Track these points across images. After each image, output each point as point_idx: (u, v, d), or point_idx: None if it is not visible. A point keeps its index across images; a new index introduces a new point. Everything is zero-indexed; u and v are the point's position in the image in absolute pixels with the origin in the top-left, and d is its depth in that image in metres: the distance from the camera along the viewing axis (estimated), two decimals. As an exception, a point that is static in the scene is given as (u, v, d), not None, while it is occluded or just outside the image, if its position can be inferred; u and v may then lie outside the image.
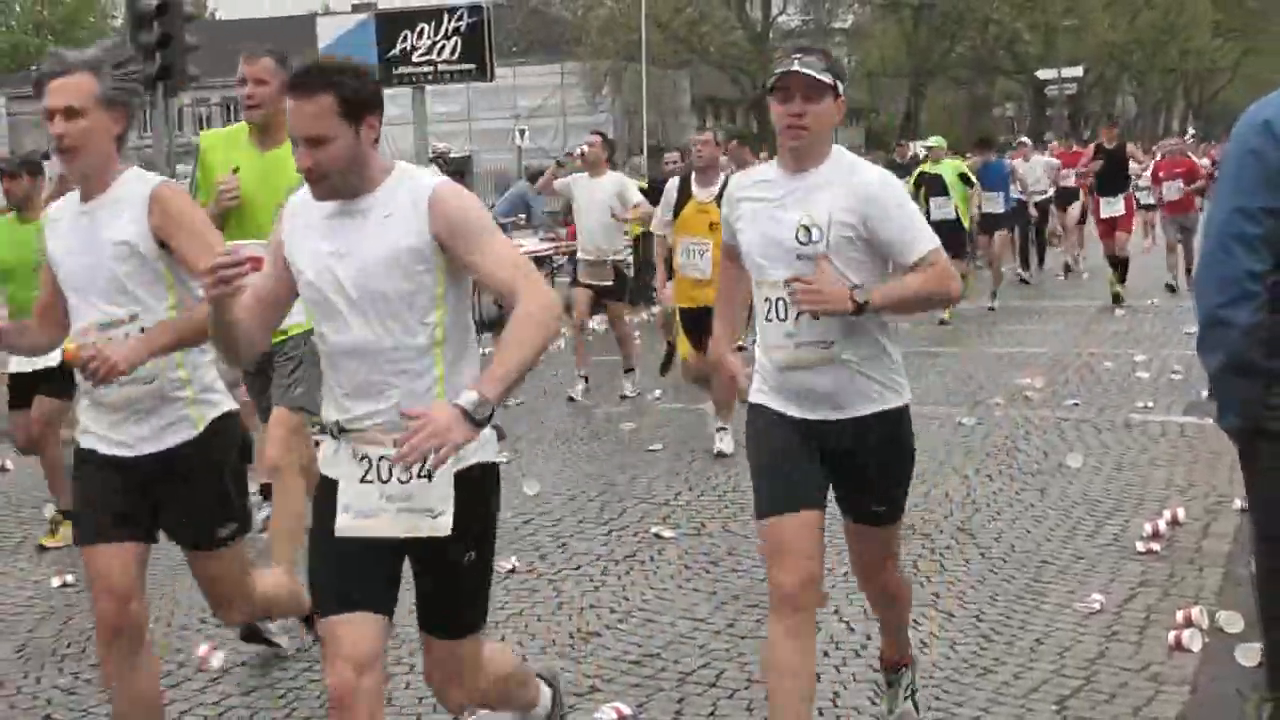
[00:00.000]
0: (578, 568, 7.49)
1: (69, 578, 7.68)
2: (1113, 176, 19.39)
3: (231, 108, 72.73)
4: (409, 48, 29.76)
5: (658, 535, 8.02)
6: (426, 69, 29.93)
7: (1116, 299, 18.33)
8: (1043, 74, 61.86)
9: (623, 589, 7.08)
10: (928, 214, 15.45)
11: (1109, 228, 19.22)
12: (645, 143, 35.75)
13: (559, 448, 10.79)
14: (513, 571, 7.39)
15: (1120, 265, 18.92)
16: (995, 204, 19.02)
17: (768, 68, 60.30)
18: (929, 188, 17.15)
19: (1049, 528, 7.85)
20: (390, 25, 30.18)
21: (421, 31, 29.69)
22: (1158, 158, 21.35)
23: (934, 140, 19.52)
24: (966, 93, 73.91)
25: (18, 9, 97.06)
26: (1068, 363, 13.63)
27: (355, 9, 49.29)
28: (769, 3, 62.66)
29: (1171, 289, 18.99)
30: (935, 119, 67.15)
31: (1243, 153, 3.58)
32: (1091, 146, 21.85)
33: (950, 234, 14.42)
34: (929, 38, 62.15)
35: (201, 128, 72.37)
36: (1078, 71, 61.71)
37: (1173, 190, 19.21)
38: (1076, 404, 11.50)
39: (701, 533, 8.05)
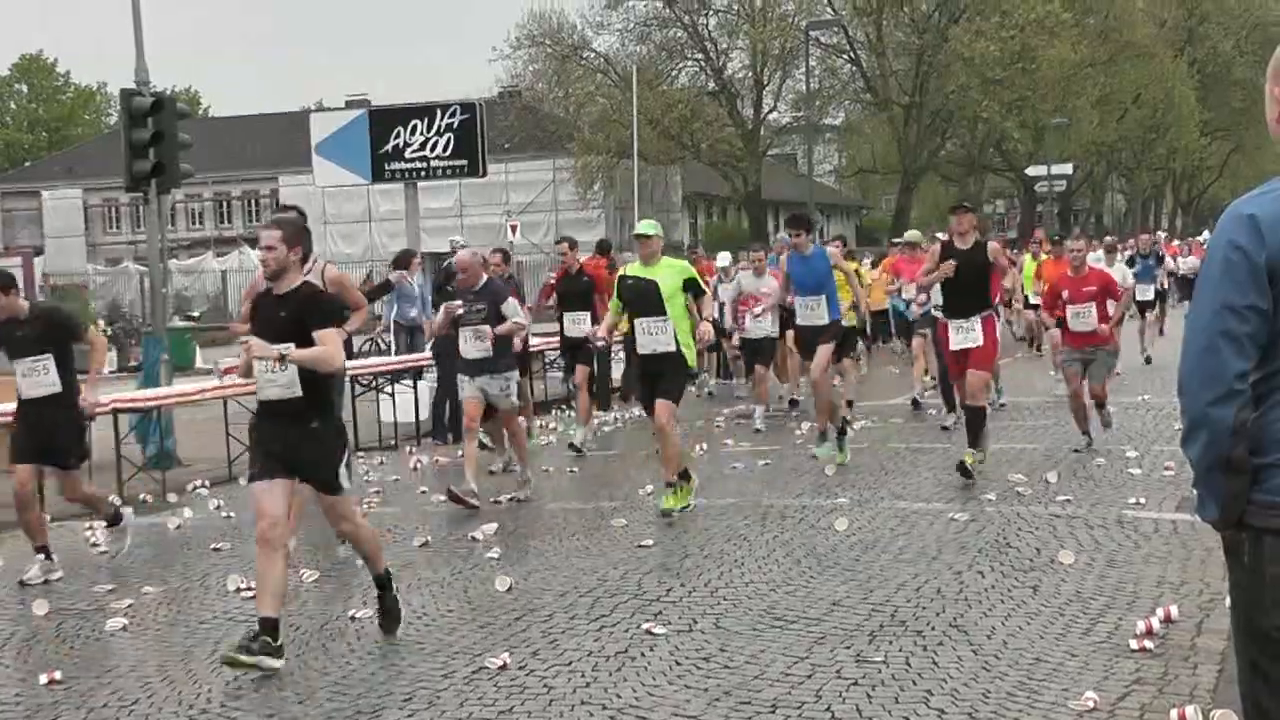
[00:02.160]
0: (569, 664, 7.44)
1: (57, 674, 7.62)
2: (968, 290, 13.05)
3: (225, 203, 73.24)
4: (401, 144, 30.05)
5: (649, 632, 7.97)
6: (419, 165, 30.21)
7: (964, 471, 12.38)
8: (1032, 172, 62.50)
9: (614, 685, 7.03)
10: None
11: (959, 364, 13.20)
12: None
13: (550, 543, 10.76)
14: (503, 668, 7.35)
15: (974, 420, 12.85)
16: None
17: (758, 165, 60.98)
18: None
19: (1042, 624, 7.81)
20: (383, 121, 30.50)
21: (414, 128, 30.01)
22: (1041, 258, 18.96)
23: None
24: (957, 189, 74.55)
25: (13, 106, 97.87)
26: (1060, 458, 13.63)
27: (349, 105, 49.77)
28: (760, 101, 63.27)
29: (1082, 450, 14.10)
30: (926, 215, 67.59)
31: (1229, 248, 3.58)
32: (936, 246, 14.30)
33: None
34: (919, 135, 62.70)
35: (194, 223, 72.94)
36: (1067, 169, 62.33)
37: (1083, 319, 14.17)
38: (1069, 500, 11.48)
39: (693, 629, 8.01)
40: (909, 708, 6.46)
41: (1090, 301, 14.16)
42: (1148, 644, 7.23)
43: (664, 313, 11.58)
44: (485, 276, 13.02)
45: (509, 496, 12.69)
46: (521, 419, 13.68)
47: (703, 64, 62.99)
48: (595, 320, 15.82)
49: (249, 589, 9.43)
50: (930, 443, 14.99)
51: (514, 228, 47.94)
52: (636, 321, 11.80)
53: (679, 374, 11.81)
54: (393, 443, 17.48)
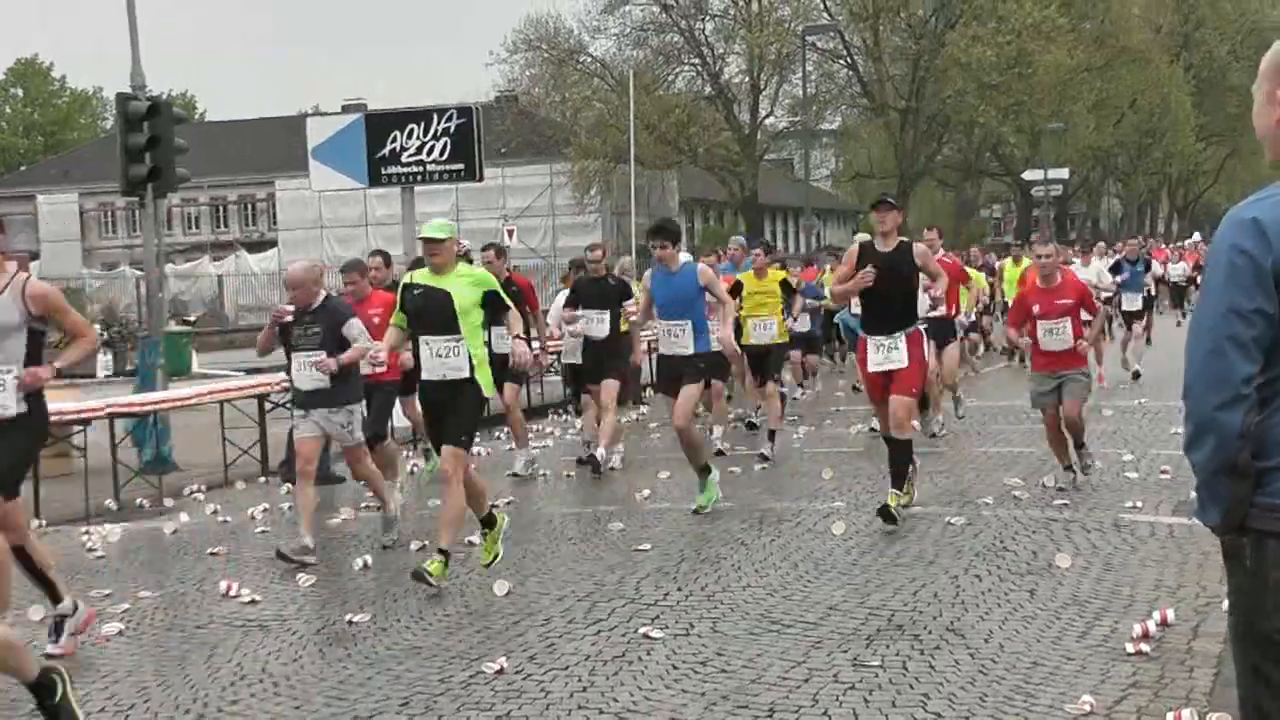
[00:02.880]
0: (566, 668, 7.44)
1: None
2: (890, 301, 11.12)
3: (221, 208, 73.23)
4: (398, 148, 30.03)
5: (646, 636, 7.97)
6: (415, 169, 30.19)
7: (886, 516, 10.72)
8: (1029, 176, 62.60)
9: (611, 690, 7.02)
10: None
11: (880, 386, 11.27)
12: (634, 243, 35.99)
13: (547, 548, 10.75)
14: (500, 672, 7.34)
15: (897, 454, 11.13)
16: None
17: (755, 169, 60.99)
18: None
19: (1039, 628, 7.81)
20: (379, 126, 30.46)
21: (411, 132, 29.97)
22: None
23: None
24: (953, 194, 74.61)
25: (8, 110, 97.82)
26: (1055, 462, 13.61)
27: (345, 109, 49.74)
28: (757, 105, 63.29)
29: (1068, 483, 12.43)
30: (922, 220, 67.63)
31: (1233, 252, 3.57)
32: (854, 248, 11.86)
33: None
34: (916, 140, 62.74)
35: (190, 228, 72.92)
36: (1063, 174, 62.44)
37: (1057, 336, 12.23)
38: (1065, 504, 11.49)
39: (690, 633, 8.00)
40: (906, 711, 6.46)
41: (1064, 316, 12.20)
42: (1144, 647, 7.23)
43: (457, 331, 9.68)
44: (323, 294, 11.20)
45: (382, 545, 11.16)
46: (415, 457, 13.21)
47: (699, 69, 63.04)
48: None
49: (241, 593, 9.44)
50: (925, 447, 14.97)
51: (511, 232, 47.92)
52: (423, 342, 9.81)
53: (473, 408, 9.88)
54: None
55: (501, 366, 14.31)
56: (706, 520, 11.46)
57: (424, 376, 9.86)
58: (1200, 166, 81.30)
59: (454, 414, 9.70)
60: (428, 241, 9.73)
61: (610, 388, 14.45)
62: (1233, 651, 3.80)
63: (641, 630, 8.07)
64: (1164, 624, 7.62)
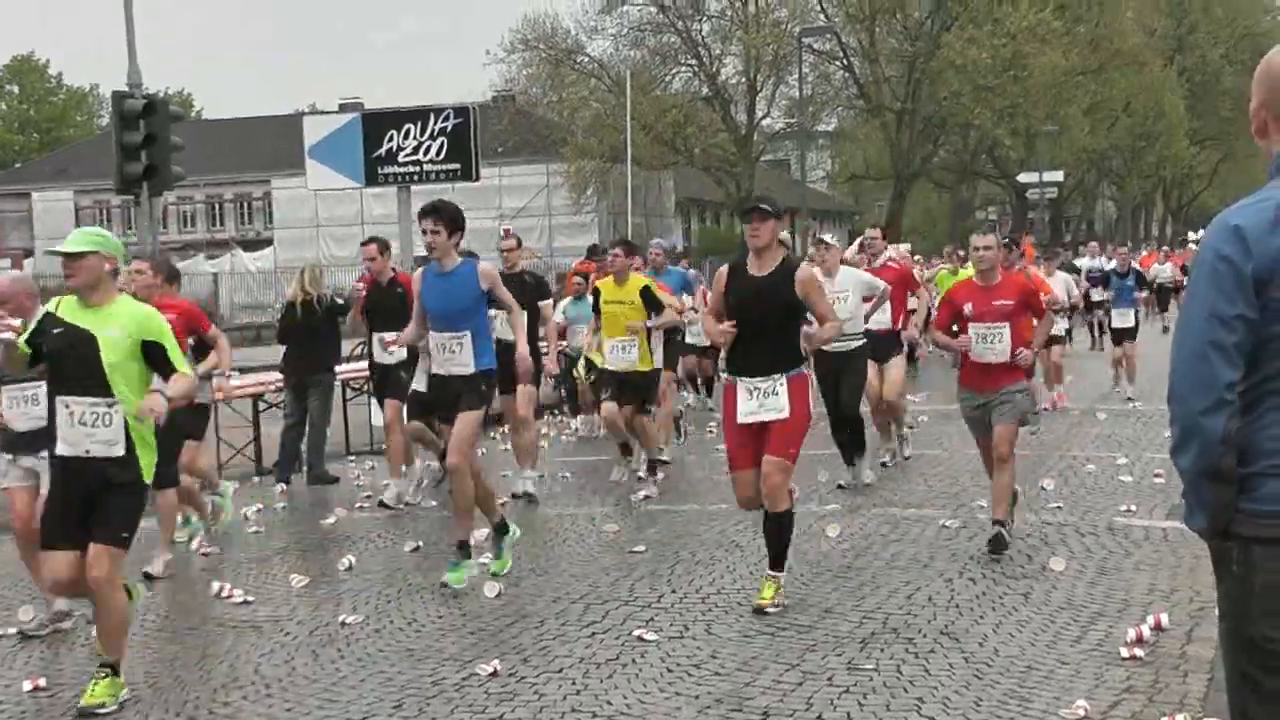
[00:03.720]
0: (560, 670, 7.43)
1: (41, 681, 7.59)
2: (765, 335, 8.68)
3: (217, 206, 73.19)
4: (395, 147, 30.03)
5: (640, 638, 7.96)
6: (412, 169, 30.20)
7: (761, 611, 8.44)
8: (1024, 178, 62.66)
9: (605, 692, 7.01)
10: None
11: (747, 445, 8.78)
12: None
13: (541, 549, 10.74)
14: (494, 674, 7.33)
15: (775, 533, 8.80)
16: None
17: (752, 170, 61.01)
18: None
19: (1033, 632, 7.81)
20: (376, 125, 30.47)
21: (407, 132, 29.98)
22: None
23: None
24: (949, 196, 74.67)
25: (3, 106, 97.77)
26: (1050, 465, 13.63)
27: (342, 108, 49.73)
28: (753, 106, 63.31)
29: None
30: (918, 221, 67.72)
31: (1216, 258, 3.62)
32: (722, 270, 9.12)
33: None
34: (911, 142, 62.77)
35: (186, 226, 72.87)
36: (1058, 176, 62.51)
37: (991, 345, 10.10)
38: (1059, 507, 11.49)
39: (685, 635, 8.00)
40: (900, 715, 6.45)
41: (1002, 321, 10.09)
42: (1138, 652, 7.23)
43: (107, 392, 7.06)
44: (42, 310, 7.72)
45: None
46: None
47: (696, 69, 63.03)
48: None
49: (234, 594, 9.42)
50: (921, 449, 14.97)
51: (507, 232, 47.93)
52: (58, 403, 7.14)
53: (132, 494, 7.19)
54: (384, 447, 17.43)
55: (383, 377, 13.21)
56: (701, 522, 11.45)
57: (58, 451, 7.15)
58: (1194, 170, 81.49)
59: (104, 508, 7.09)
60: (67, 258, 7.12)
61: (528, 394, 12.79)
62: (1223, 656, 3.81)
63: (636, 633, 8.06)
64: (1158, 628, 7.62)
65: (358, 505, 12.80)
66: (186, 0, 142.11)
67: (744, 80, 63.06)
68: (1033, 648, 7.50)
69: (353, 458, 16.59)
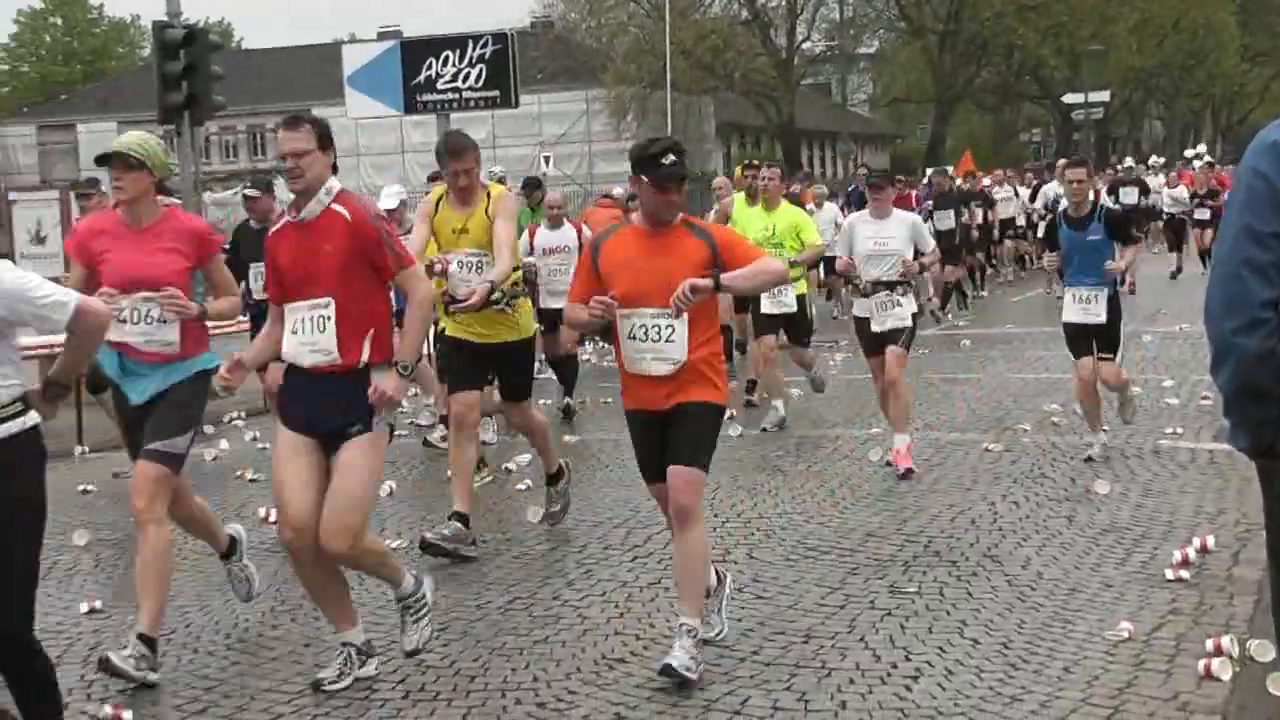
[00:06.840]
0: (603, 594, 7.47)
1: (97, 603, 7.68)
2: None
3: (259, 135, 73.20)
4: (433, 75, 29.92)
5: (683, 562, 7.97)
6: (451, 96, 30.09)
7: None
8: (1069, 99, 61.89)
9: (648, 615, 7.05)
10: None
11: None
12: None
13: (583, 474, 10.75)
14: (535, 597, 7.37)
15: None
16: None
17: (792, 95, 60.53)
18: None
19: (1077, 555, 7.79)
20: (415, 53, 30.34)
21: (446, 59, 29.85)
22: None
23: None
24: (992, 118, 73.95)
25: (48, 39, 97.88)
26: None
27: (381, 37, 49.53)
28: (793, 30, 62.74)
29: None
30: (961, 144, 67.11)
31: (1252, 175, 3.54)
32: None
33: None
34: (954, 64, 62.14)
35: (228, 156, 72.96)
36: (1104, 96, 61.70)
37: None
38: (1105, 430, 11.43)
39: (726, 559, 8.01)
40: (943, 638, 6.46)
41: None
42: (1183, 574, 7.21)
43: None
44: None
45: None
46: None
47: (736, -8, 62.50)
48: None
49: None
50: (964, 373, 14.91)
51: (547, 159, 47.75)
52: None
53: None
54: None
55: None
56: (743, 447, 11.45)
57: None
58: (1245, 88, 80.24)
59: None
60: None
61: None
62: (1269, 574, 3.80)
63: (678, 557, 8.08)
64: (1204, 550, 7.59)
65: (398, 433, 12.84)
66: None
67: (784, 3, 62.50)
68: (1076, 570, 7.48)
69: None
